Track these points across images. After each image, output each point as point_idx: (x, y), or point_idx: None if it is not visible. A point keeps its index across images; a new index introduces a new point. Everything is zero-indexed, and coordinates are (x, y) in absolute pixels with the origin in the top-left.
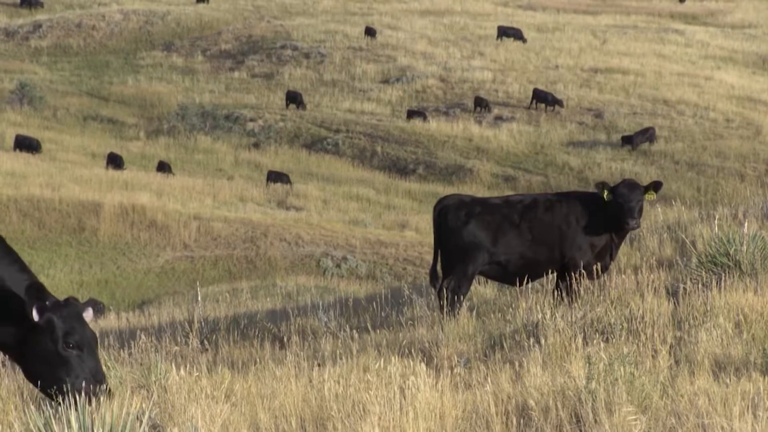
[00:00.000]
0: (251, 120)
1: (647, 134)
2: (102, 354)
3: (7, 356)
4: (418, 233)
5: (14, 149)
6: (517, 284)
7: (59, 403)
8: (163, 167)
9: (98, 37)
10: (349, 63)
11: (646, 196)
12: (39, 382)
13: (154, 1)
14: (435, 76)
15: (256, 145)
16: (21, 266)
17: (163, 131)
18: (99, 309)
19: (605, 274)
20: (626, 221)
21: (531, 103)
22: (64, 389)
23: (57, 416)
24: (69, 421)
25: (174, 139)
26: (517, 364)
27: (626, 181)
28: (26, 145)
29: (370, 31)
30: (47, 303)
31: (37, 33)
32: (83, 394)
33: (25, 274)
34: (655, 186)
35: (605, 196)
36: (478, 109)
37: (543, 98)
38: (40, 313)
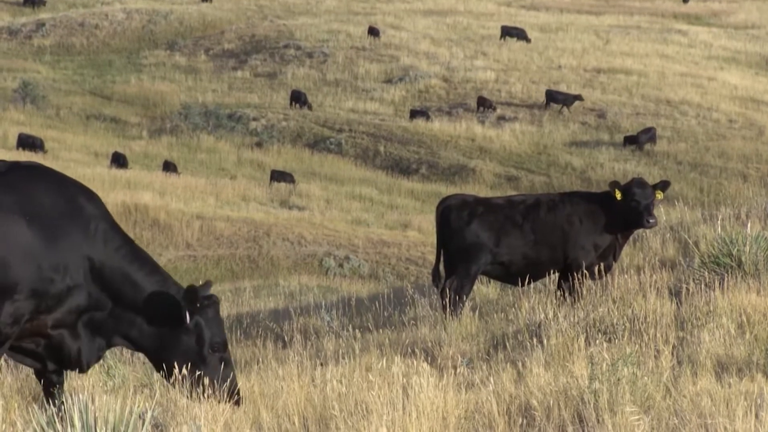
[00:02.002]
0: (254, 119)
1: (649, 134)
2: (106, 353)
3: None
4: (421, 233)
5: (17, 148)
6: (520, 284)
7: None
8: (168, 167)
9: (101, 36)
10: (352, 63)
11: (656, 194)
12: (169, 373)
13: (157, 0)
14: (438, 76)
15: (259, 145)
16: (159, 274)
17: (166, 130)
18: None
19: (608, 275)
20: (645, 219)
21: (546, 105)
22: (200, 388)
23: (60, 415)
24: (72, 420)
25: (177, 138)
26: (519, 364)
27: (637, 180)
28: (29, 144)
29: (373, 31)
30: (197, 305)
31: (40, 32)
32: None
33: (161, 279)
34: (663, 185)
35: (618, 196)
36: (481, 109)
37: (556, 99)
38: (191, 316)
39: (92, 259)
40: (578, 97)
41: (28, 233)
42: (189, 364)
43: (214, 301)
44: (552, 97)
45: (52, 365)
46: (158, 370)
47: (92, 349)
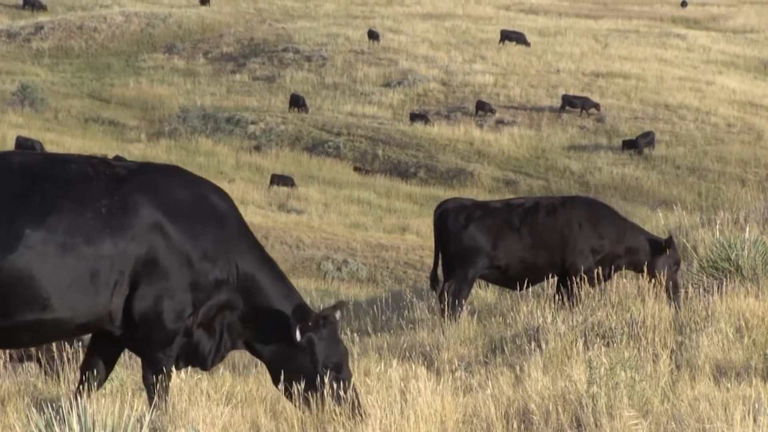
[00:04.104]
0: (252, 123)
1: (647, 138)
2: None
3: (10, 359)
4: (419, 237)
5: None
6: (518, 288)
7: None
8: None
9: (100, 39)
10: (350, 66)
11: None
12: (284, 385)
13: (156, 4)
14: (436, 79)
15: (258, 148)
16: (284, 282)
17: (165, 133)
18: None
19: (607, 281)
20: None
21: (561, 109)
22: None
23: (58, 418)
24: (70, 423)
25: (175, 141)
26: (518, 368)
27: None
28: (27, 147)
29: (373, 35)
30: (309, 323)
31: (38, 35)
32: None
33: (286, 288)
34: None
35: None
36: (480, 112)
37: (573, 103)
38: (302, 332)
39: (228, 256)
40: (596, 105)
41: (172, 230)
42: (303, 382)
43: (331, 321)
44: (569, 101)
45: (182, 363)
46: (275, 383)
47: (221, 348)
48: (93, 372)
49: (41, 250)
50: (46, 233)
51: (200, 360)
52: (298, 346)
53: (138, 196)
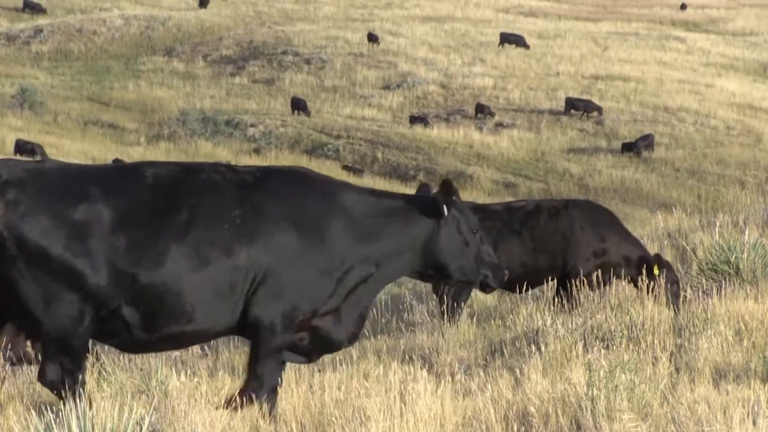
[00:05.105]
0: (252, 125)
1: (647, 141)
2: (102, 359)
3: (9, 362)
4: None
5: (14, 154)
6: (518, 291)
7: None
8: None
9: (99, 42)
10: (350, 69)
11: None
12: (447, 280)
13: (156, 7)
14: (436, 82)
15: (257, 151)
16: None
17: (164, 136)
18: None
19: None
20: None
21: (566, 111)
22: (479, 278)
23: (58, 421)
24: (69, 426)
25: (175, 144)
26: (517, 370)
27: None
28: (27, 150)
29: (372, 37)
30: (449, 197)
31: (38, 38)
32: (502, 280)
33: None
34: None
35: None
36: (479, 115)
37: (576, 106)
38: (448, 207)
39: (354, 255)
40: (599, 108)
41: (295, 237)
42: (460, 255)
43: (456, 191)
44: (572, 104)
45: (316, 356)
46: (450, 278)
47: (355, 318)
48: None
49: (186, 265)
50: (190, 248)
51: (335, 347)
52: (445, 224)
53: (268, 204)
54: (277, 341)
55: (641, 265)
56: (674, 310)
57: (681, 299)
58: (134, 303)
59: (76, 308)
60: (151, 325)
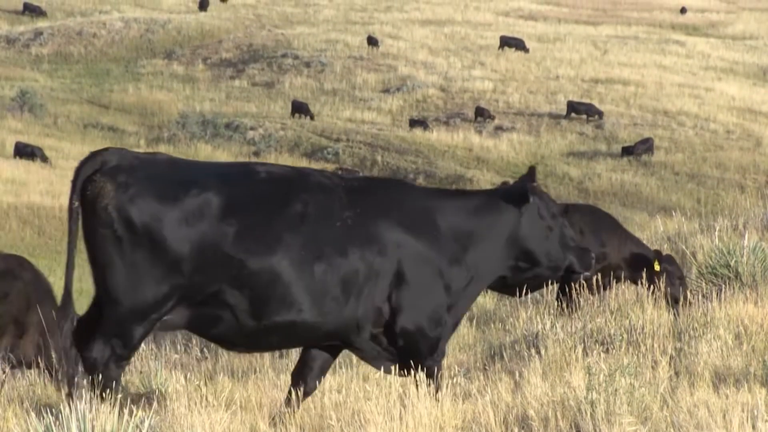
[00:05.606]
0: (252, 129)
1: (646, 145)
2: None
3: (9, 364)
4: None
5: (14, 157)
6: (518, 295)
7: None
8: None
9: (99, 44)
10: (349, 72)
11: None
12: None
13: (155, 10)
14: (435, 85)
15: (257, 154)
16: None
17: (164, 139)
18: None
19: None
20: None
21: (567, 114)
22: (565, 263)
23: (58, 423)
24: (69, 429)
25: (174, 147)
26: (517, 374)
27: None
28: (27, 152)
29: (372, 41)
30: (533, 183)
31: (38, 40)
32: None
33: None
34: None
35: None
36: (479, 118)
37: (577, 109)
38: (531, 192)
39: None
40: (600, 113)
41: (416, 243)
42: (543, 242)
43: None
44: (574, 108)
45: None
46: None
47: (449, 328)
48: (303, 381)
49: (297, 255)
50: (302, 239)
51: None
52: (529, 211)
53: (380, 209)
54: (427, 344)
55: (642, 266)
56: (674, 314)
57: (683, 297)
58: (240, 287)
59: (162, 293)
60: (260, 312)
